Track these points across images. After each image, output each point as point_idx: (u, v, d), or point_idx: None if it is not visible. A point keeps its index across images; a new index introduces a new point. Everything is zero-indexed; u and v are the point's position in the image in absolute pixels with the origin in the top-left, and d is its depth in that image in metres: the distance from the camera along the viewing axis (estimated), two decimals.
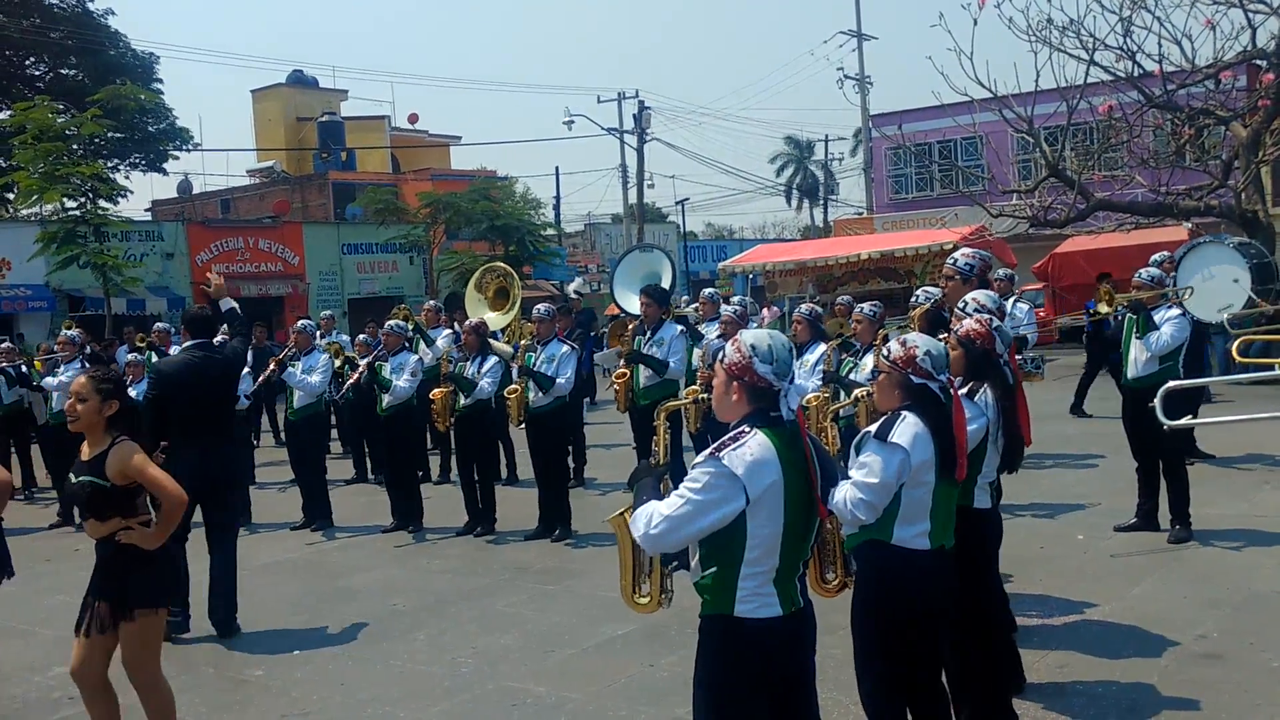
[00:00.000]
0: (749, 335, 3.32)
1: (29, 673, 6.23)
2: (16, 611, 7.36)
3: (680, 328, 9.31)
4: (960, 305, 5.35)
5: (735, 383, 3.27)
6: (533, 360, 9.31)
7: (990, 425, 4.52)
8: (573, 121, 38.49)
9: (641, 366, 9.39)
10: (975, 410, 4.46)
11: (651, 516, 3.17)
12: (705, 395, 3.77)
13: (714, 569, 3.21)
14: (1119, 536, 7.94)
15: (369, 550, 9.42)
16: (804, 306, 8.74)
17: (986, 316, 4.79)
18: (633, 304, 11.19)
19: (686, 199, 45.62)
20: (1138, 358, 7.76)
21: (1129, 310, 7.80)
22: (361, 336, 12.90)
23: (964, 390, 4.51)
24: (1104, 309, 8.05)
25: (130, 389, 9.65)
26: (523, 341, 10.06)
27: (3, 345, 14.02)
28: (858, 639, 4.04)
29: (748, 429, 3.18)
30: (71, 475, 4.62)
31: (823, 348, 8.10)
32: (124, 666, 4.55)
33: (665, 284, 10.89)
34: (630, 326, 10.03)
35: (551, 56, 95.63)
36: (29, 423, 13.32)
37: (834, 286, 18.66)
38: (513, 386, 9.59)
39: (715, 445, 3.16)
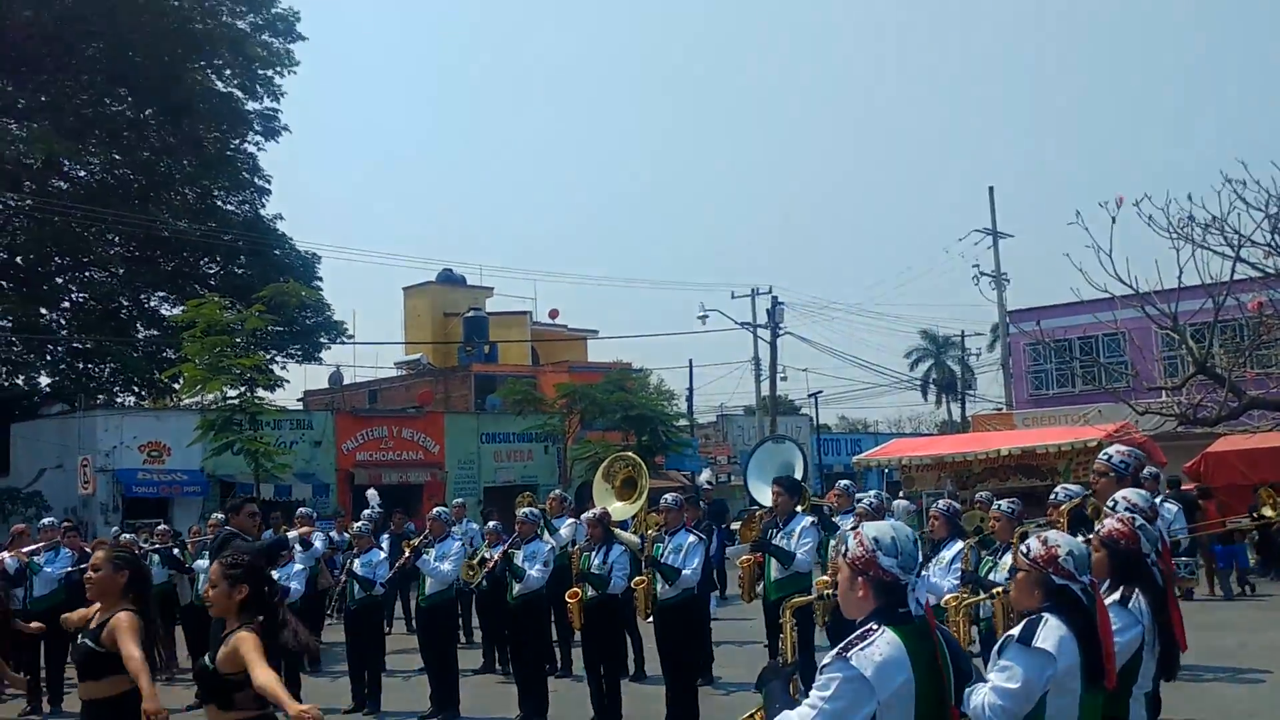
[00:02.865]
0: (871, 528, 3.26)
1: None
2: None
3: (811, 519, 9.14)
4: (1110, 504, 5.16)
5: (860, 578, 3.19)
6: (660, 551, 9.25)
7: (1145, 632, 4.27)
8: (707, 316, 39.21)
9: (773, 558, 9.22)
10: (1130, 618, 4.22)
11: None
12: (833, 591, 3.69)
13: None
14: None
15: None
16: (941, 502, 8.54)
17: (1130, 515, 4.60)
18: (765, 495, 11.10)
19: (820, 392, 45.37)
20: None
21: None
22: (491, 524, 13.10)
23: (1116, 595, 4.29)
24: (1269, 513, 7.64)
25: (274, 571, 10.02)
26: (650, 531, 10.04)
27: (159, 527, 14.68)
28: None
29: (875, 626, 3.09)
30: (205, 659, 4.68)
31: (960, 545, 7.85)
32: None
33: (797, 476, 10.79)
34: (759, 516, 9.95)
35: (687, 254, 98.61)
36: (173, 604, 13.72)
37: (973, 483, 18.17)
38: (639, 578, 9.54)
39: (842, 645, 3.08)
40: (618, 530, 10.43)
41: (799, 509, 9.20)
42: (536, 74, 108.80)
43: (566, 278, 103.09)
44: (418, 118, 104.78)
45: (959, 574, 7.69)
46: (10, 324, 32.33)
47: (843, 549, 3.30)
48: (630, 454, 13.21)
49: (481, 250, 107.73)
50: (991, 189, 39.09)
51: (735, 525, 16.61)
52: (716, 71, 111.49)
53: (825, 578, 7.85)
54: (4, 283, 32.27)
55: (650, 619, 9.38)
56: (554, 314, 44.39)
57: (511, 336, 41.11)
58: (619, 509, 11.66)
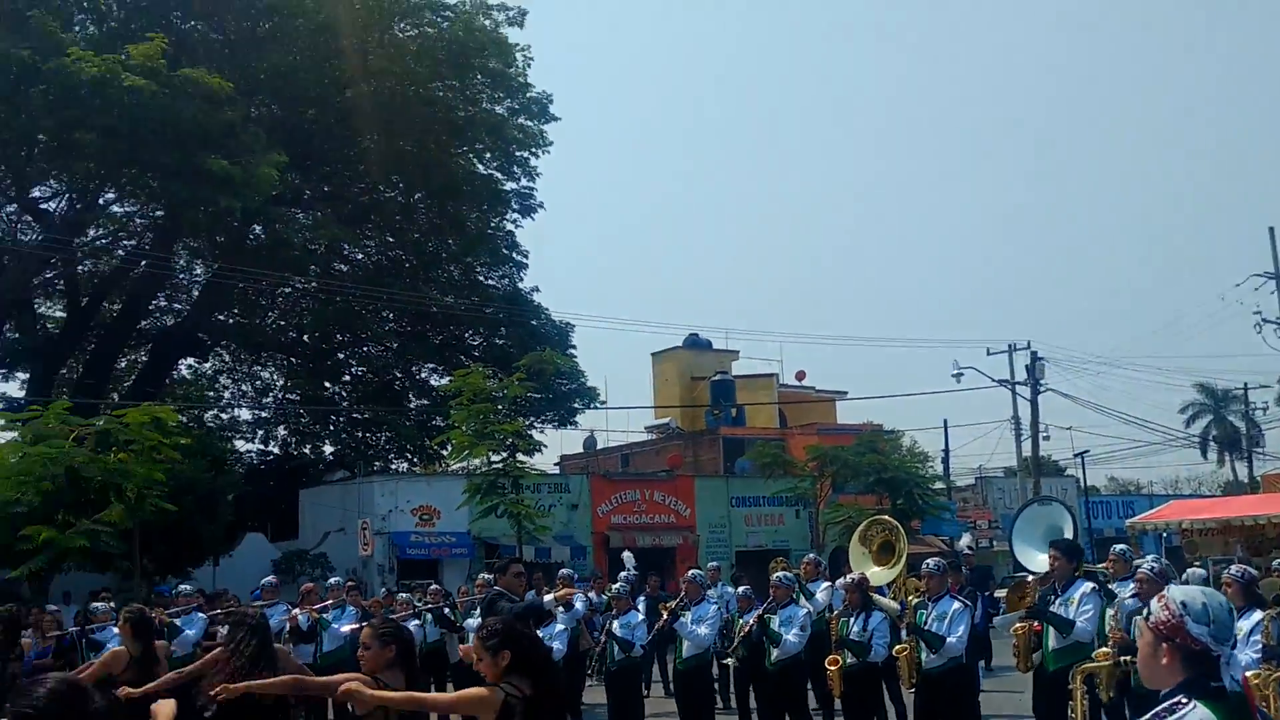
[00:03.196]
0: (1178, 591, 3.01)
1: None
2: None
3: (1091, 585, 8.58)
4: None
5: (1165, 644, 2.95)
6: (923, 617, 8.95)
7: None
8: (962, 374, 37.92)
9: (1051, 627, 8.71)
10: None
11: None
12: (1126, 659, 3.44)
13: None
14: None
15: None
16: (1235, 568, 7.87)
17: None
18: (1033, 560, 10.57)
19: (1086, 451, 42.73)
20: None
21: None
22: (742, 589, 13.06)
23: None
24: None
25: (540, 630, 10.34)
26: (912, 598, 9.74)
27: (431, 587, 15.44)
28: None
29: (1184, 699, 2.84)
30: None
31: (1259, 615, 7.18)
32: None
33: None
34: (1030, 583, 9.45)
35: (938, 310, 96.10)
36: (444, 662, 14.32)
37: (1268, 549, 16.63)
38: (901, 645, 9.27)
39: (1149, 716, 2.85)
40: (876, 596, 10.18)
41: (1077, 574, 8.66)
42: (777, 133, 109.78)
43: (813, 339, 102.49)
44: (661, 185, 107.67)
45: (1259, 647, 7.04)
46: (299, 397, 35.21)
47: (1146, 613, 3.07)
48: (887, 517, 12.91)
49: (727, 313, 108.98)
50: (1272, 229, 36.14)
51: (1000, 592, 15.86)
52: (962, 119, 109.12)
53: (1106, 649, 7.36)
54: (294, 359, 35.20)
55: (914, 688, 9.06)
56: (801, 376, 44.15)
57: (758, 399, 41.13)
58: (877, 574, 11.37)
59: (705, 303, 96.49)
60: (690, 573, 11.42)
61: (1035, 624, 8.75)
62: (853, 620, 9.32)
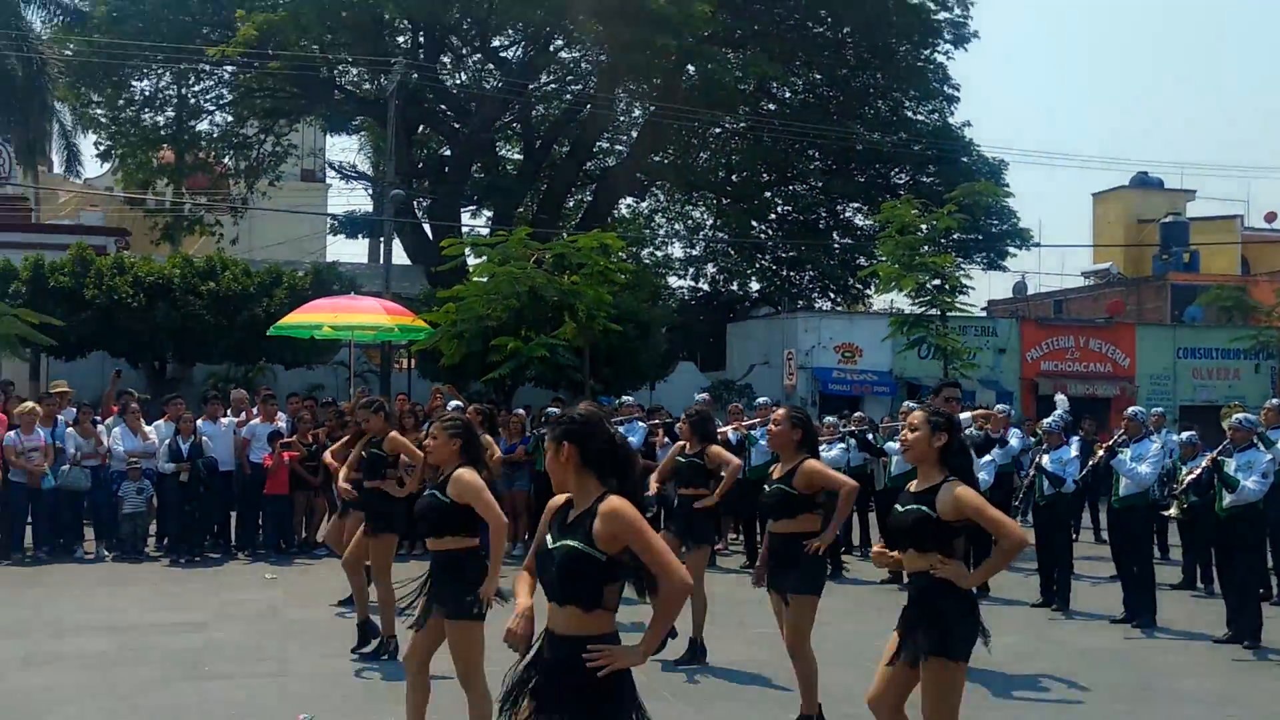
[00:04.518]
0: None
1: None
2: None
3: None
4: None
5: None
6: None
7: None
8: None
9: None
10: None
11: None
12: None
13: None
14: None
15: (1197, 656, 8.72)
16: None
17: None
18: None
19: None
20: None
21: None
22: (1186, 435, 12.22)
23: None
24: None
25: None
26: None
27: (855, 415, 15.74)
28: None
29: None
30: (898, 505, 4.93)
31: None
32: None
33: None
34: None
35: None
36: (869, 487, 14.62)
37: None
38: None
39: None
40: None
41: None
42: None
43: None
44: (1107, 9, 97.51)
45: None
46: (727, 235, 36.38)
47: None
48: None
49: (1181, 149, 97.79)
50: None
51: None
52: None
53: None
54: (723, 199, 36.27)
55: None
56: (1271, 217, 39.41)
57: (1217, 242, 37.21)
58: None
59: (1156, 138, 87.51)
60: (1130, 409, 10.76)
61: None
62: None
